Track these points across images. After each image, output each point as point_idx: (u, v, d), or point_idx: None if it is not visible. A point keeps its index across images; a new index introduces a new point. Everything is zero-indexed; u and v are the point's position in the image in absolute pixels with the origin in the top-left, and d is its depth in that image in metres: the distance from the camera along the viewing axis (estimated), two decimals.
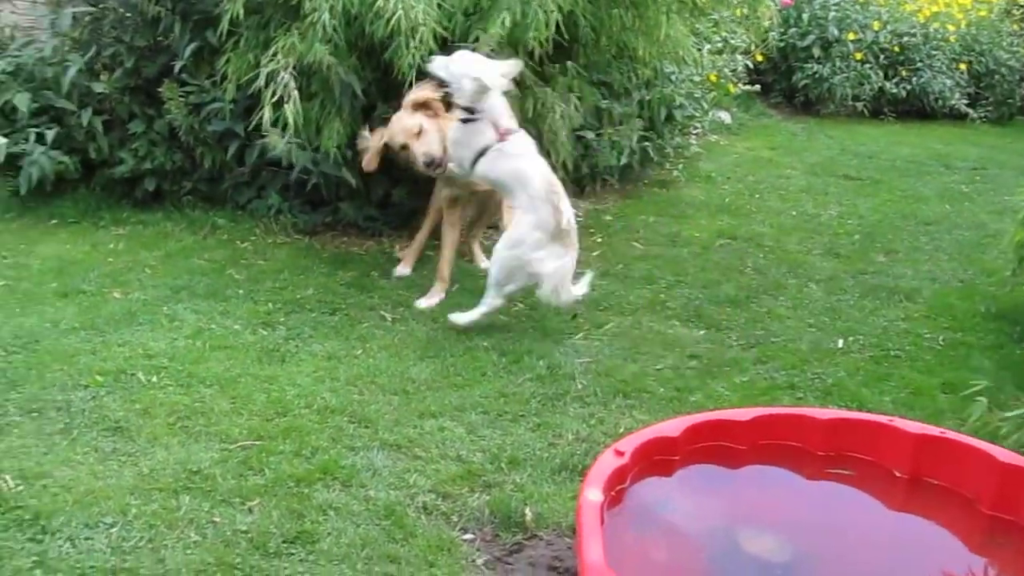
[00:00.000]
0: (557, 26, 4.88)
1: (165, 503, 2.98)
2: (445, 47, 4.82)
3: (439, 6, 4.67)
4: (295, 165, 5.22)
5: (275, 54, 4.85)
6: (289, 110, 4.71)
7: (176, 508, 2.96)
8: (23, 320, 4.20)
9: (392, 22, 4.49)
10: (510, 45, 4.96)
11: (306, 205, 5.59)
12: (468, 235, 5.33)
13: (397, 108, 4.98)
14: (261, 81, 4.83)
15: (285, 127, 4.76)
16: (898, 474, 2.86)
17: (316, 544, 2.83)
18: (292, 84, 4.77)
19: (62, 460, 3.17)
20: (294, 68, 4.80)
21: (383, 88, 5.25)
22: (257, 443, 3.34)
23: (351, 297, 4.66)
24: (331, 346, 4.12)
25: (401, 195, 5.49)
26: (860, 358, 4.33)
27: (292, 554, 2.80)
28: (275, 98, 4.79)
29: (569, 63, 5.48)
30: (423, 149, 4.59)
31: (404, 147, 4.67)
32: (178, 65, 5.57)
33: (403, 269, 5.06)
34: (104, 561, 2.71)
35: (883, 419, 2.98)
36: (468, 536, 2.92)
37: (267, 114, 4.77)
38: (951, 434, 2.88)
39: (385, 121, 5.00)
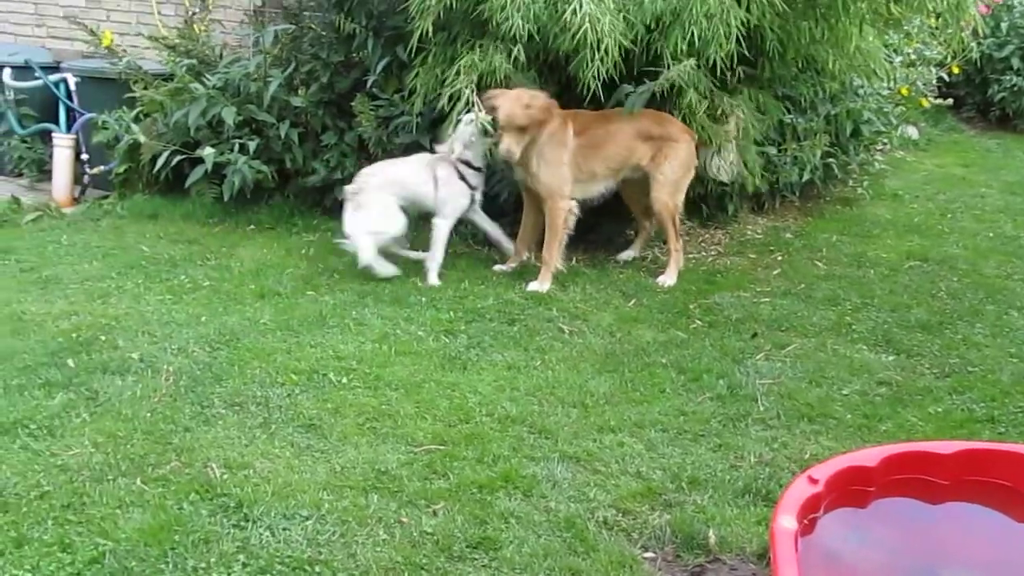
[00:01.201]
0: (740, 39, 4.81)
1: (355, 500, 3.10)
2: (628, 60, 4.84)
3: (625, 19, 4.69)
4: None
5: (457, 72, 5.01)
6: None
7: (366, 506, 3.07)
8: (226, 319, 4.48)
9: (578, 36, 4.54)
10: (690, 56, 4.92)
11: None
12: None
13: None
14: (444, 100, 5.01)
15: None
16: None
17: (499, 551, 2.87)
18: (477, 100, 4.91)
19: (262, 452, 3.36)
20: (475, 84, 4.95)
21: (564, 102, 5.31)
22: (441, 448, 3.43)
23: (529, 308, 4.72)
24: (510, 356, 4.19)
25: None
26: None
27: (475, 559, 2.85)
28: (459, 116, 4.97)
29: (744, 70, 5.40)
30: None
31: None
32: (370, 80, 5.82)
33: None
34: (301, 552, 2.84)
35: None
36: (649, 555, 2.89)
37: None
38: None
39: None
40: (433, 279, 5.01)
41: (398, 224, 5.04)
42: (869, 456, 2.72)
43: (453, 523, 2.99)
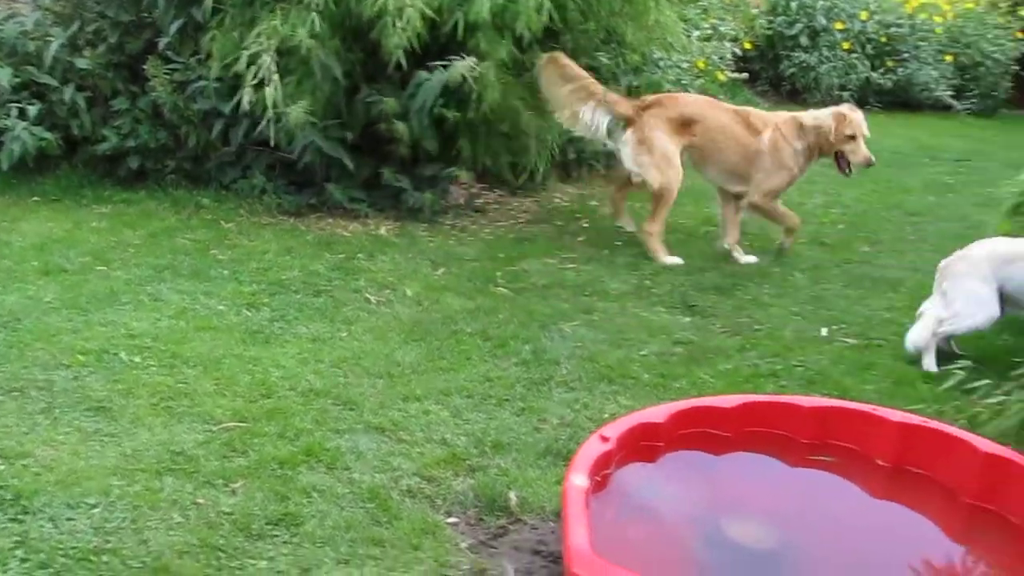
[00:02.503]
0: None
1: (148, 484, 2.96)
2: (433, 28, 4.81)
3: None
4: (296, 139, 5.17)
5: (258, 35, 4.83)
6: (269, 93, 4.71)
7: (159, 489, 2.94)
8: (4, 298, 4.16)
9: (379, 2, 4.47)
10: (496, 30, 4.94)
11: (291, 186, 5.57)
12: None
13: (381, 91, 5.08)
14: (243, 63, 4.82)
15: (264, 108, 4.77)
16: (881, 462, 2.88)
17: (300, 526, 2.82)
18: (273, 67, 4.76)
19: (44, 440, 3.14)
20: (276, 50, 4.79)
21: (369, 70, 5.22)
22: (241, 425, 3.32)
23: (336, 279, 4.64)
24: (316, 328, 4.11)
25: (389, 176, 5.46)
26: (844, 347, 4.35)
27: (276, 536, 2.78)
28: (256, 80, 4.79)
29: None
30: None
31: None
32: (163, 42, 5.52)
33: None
34: (87, 542, 2.68)
35: (867, 408, 3.00)
36: (452, 520, 2.92)
37: (247, 96, 4.77)
38: (933, 423, 2.91)
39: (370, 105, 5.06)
40: None
41: (982, 316, 4.05)
42: (657, 413, 2.86)
43: (252, 501, 2.91)
